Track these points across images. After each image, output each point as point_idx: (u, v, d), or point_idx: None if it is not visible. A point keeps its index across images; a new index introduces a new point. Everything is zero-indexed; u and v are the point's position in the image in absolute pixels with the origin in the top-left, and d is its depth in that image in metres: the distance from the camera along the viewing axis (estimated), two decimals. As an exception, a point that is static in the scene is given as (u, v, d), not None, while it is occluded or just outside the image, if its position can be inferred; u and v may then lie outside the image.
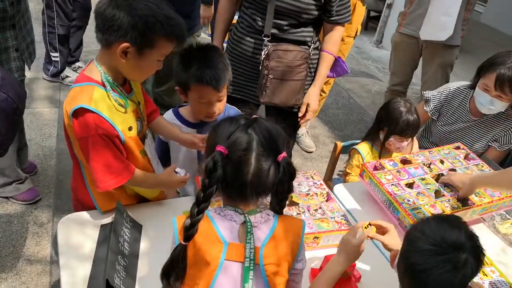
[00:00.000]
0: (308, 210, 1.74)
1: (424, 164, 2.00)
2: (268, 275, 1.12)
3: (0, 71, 1.65)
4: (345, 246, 1.32)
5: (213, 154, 1.06)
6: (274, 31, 2.08)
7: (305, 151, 3.76)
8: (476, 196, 1.83)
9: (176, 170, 1.71)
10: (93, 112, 1.42)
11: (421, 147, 2.51)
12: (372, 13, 6.54)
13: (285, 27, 2.08)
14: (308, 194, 1.83)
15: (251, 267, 1.10)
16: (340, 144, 2.41)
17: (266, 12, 2.03)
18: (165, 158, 2.03)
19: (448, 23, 2.98)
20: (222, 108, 1.87)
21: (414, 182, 1.89)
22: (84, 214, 1.67)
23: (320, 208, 1.76)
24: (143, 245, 1.57)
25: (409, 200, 1.79)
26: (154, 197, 1.79)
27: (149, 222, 1.66)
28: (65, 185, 2.91)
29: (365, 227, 1.38)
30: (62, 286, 1.40)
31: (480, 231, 1.90)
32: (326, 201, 1.81)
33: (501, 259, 1.76)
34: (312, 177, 1.94)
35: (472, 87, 2.32)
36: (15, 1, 2.17)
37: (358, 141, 2.43)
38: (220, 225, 1.12)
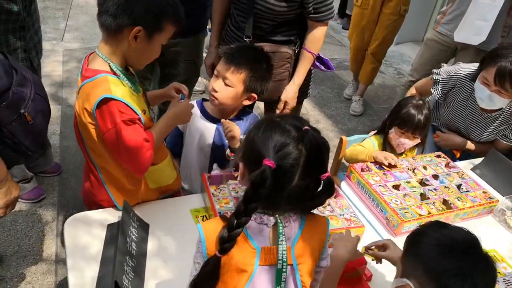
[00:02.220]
0: (317, 208, 1.72)
1: (408, 169, 2.05)
2: (301, 275, 1.11)
3: (26, 72, 1.64)
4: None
5: (263, 169, 0.99)
6: (258, 31, 2.10)
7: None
8: (459, 200, 1.88)
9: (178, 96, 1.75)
10: (115, 100, 1.42)
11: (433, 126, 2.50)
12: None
13: (267, 29, 2.10)
14: None
15: (284, 269, 1.09)
16: (346, 139, 2.39)
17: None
18: (176, 151, 2.02)
19: (484, 28, 2.90)
20: (225, 95, 1.79)
21: (400, 184, 1.93)
22: (90, 214, 1.66)
23: (329, 205, 1.74)
24: (151, 244, 1.56)
25: (396, 200, 1.83)
26: (171, 183, 1.79)
27: (156, 221, 1.65)
28: (69, 183, 2.90)
29: (364, 252, 1.42)
30: (70, 287, 1.39)
31: (490, 226, 1.89)
32: (335, 197, 1.79)
33: (512, 255, 1.74)
34: None
35: (473, 79, 2.23)
36: (28, 4, 2.17)
37: (364, 135, 2.41)
38: (250, 231, 1.08)
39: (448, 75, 2.35)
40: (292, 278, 1.10)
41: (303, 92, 2.32)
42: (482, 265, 1.04)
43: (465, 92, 2.32)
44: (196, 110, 1.93)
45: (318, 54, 2.22)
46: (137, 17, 1.40)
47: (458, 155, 2.48)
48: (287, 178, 1.03)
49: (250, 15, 2.04)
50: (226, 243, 1.02)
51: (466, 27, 2.99)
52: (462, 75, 2.32)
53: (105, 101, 1.42)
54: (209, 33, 2.49)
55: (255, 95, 1.84)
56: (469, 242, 1.08)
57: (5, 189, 1.54)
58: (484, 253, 1.06)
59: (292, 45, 2.16)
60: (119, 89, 1.45)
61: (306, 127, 1.06)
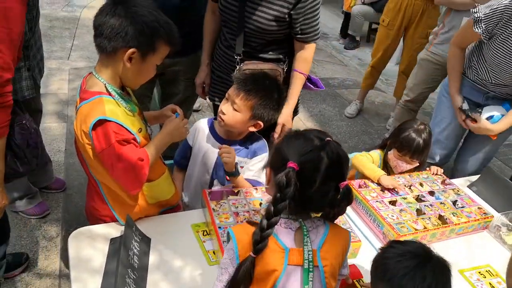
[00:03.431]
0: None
1: (405, 186, 2.09)
2: (326, 277, 1.18)
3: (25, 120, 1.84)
4: None
5: (287, 170, 1.10)
6: (247, 49, 2.14)
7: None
8: (454, 216, 1.92)
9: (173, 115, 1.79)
10: (110, 121, 1.48)
11: (477, 74, 2.41)
12: (374, 25, 6.60)
13: (257, 47, 2.15)
14: None
15: (311, 269, 1.16)
16: (345, 157, 2.43)
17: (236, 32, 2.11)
18: (185, 163, 2.09)
19: None
20: (231, 119, 1.85)
21: (396, 200, 1.97)
22: (94, 228, 1.70)
23: None
24: (152, 258, 1.60)
25: (393, 216, 1.86)
26: (170, 198, 1.84)
27: (158, 235, 1.69)
28: (74, 199, 2.95)
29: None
30: (74, 299, 1.43)
31: (486, 241, 1.92)
32: None
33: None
34: None
35: None
36: (33, 25, 2.24)
37: (360, 153, 2.46)
38: (279, 233, 1.17)
39: (491, 9, 2.14)
40: (318, 278, 1.18)
41: (293, 112, 2.34)
42: (432, 265, 1.12)
43: None
44: (205, 127, 2.01)
45: (308, 75, 2.26)
46: (131, 39, 1.45)
47: (494, 137, 2.46)
48: (308, 181, 1.13)
49: (241, 33, 2.10)
50: (259, 243, 1.12)
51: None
52: (508, 6, 2.09)
53: (100, 122, 1.47)
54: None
55: (261, 123, 1.88)
56: (420, 248, 1.18)
57: None
58: (435, 256, 1.16)
59: (281, 63, 2.21)
60: (114, 110, 1.50)
61: (328, 138, 1.18)
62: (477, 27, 2.19)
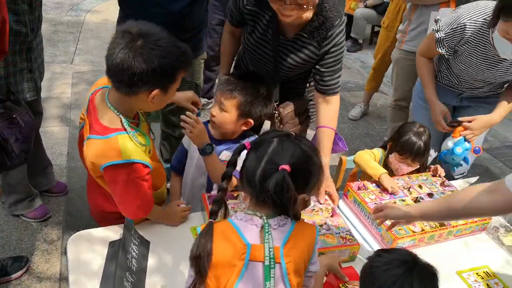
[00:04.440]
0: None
1: (404, 188, 2.08)
2: (289, 273, 1.19)
3: (21, 100, 1.83)
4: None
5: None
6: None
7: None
8: None
9: (180, 205, 1.85)
10: (124, 163, 1.49)
11: (448, 79, 2.41)
12: (377, 28, 6.60)
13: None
14: (313, 210, 1.85)
15: (272, 266, 1.17)
16: (345, 159, 2.44)
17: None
18: (180, 168, 2.09)
19: None
20: (220, 119, 1.86)
21: (395, 202, 1.96)
22: (93, 231, 1.71)
23: (325, 223, 1.78)
24: (151, 261, 1.60)
25: None
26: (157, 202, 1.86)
27: (156, 238, 1.70)
28: (75, 203, 2.96)
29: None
30: (72, 302, 1.44)
31: (484, 242, 1.91)
32: (331, 216, 1.84)
33: (506, 272, 1.76)
34: None
35: (490, 26, 2.01)
36: (36, 27, 2.27)
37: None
38: (243, 230, 1.20)
39: (451, 29, 2.14)
40: (280, 275, 1.19)
41: (307, 117, 2.35)
42: (418, 271, 1.13)
43: (476, 41, 2.11)
44: None
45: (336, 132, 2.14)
46: (154, 83, 1.42)
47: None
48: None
49: (277, 82, 2.12)
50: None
51: None
52: (467, 24, 2.08)
53: (113, 166, 1.49)
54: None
55: (251, 121, 1.88)
56: (406, 255, 1.19)
57: None
58: (422, 262, 1.17)
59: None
60: (129, 147, 1.50)
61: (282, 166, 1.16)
62: (439, 47, 2.22)
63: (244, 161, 1.24)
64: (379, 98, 5.08)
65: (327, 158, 2.02)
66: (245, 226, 1.20)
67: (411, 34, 3.30)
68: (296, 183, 1.14)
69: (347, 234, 1.74)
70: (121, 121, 1.51)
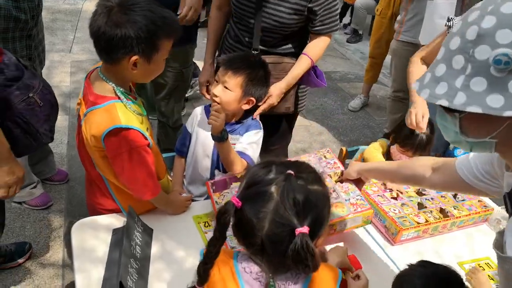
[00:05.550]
0: None
1: None
2: None
3: (35, 71, 1.78)
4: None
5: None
6: (262, 46, 2.14)
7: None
8: (455, 209, 1.92)
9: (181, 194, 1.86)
10: (126, 128, 1.48)
11: None
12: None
13: (272, 43, 2.14)
14: None
15: None
16: (345, 150, 2.45)
17: (253, 30, 2.09)
18: (184, 150, 2.11)
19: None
20: (225, 98, 1.85)
21: (398, 194, 1.97)
22: (97, 219, 1.72)
23: (334, 191, 1.71)
24: (154, 248, 1.62)
25: (394, 210, 1.86)
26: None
27: (160, 225, 1.71)
28: (76, 191, 2.97)
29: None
30: (77, 288, 1.45)
31: (486, 234, 1.93)
32: (341, 182, 1.78)
33: (506, 263, 1.78)
34: (325, 156, 1.89)
35: None
36: (36, 14, 2.25)
37: (364, 146, 2.47)
38: (246, 285, 1.05)
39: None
40: None
41: (297, 105, 2.34)
42: None
43: None
44: (202, 113, 2.02)
45: (315, 65, 2.21)
46: (130, 48, 1.41)
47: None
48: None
49: (258, 29, 2.08)
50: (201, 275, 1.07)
51: (429, 28, 3.03)
52: None
53: (115, 131, 1.48)
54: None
55: (254, 99, 1.90)
56: (449, 273, 1.17)
57: (6, 168, 1.59)
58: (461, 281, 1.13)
59: (295, 57, 2.18)
60: (128, 115, 1.50)
61: (290, 172, 1.02)
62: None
63: (235, 220, 1.03)
64: (379, 89, 5.08)
65: (289, 77, 2.12)
66: (249, 280, 1.04)
67: (407, 24, 3.32)
68: (313, 234, 0.98)
69: (357, 199, 1.67)
70: (113, 88, 1.52)
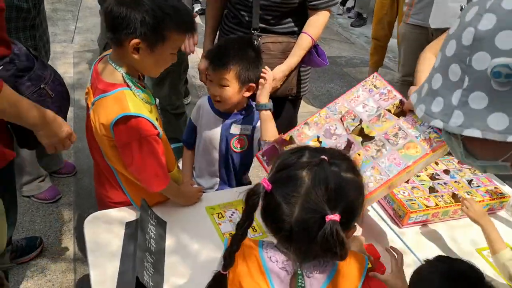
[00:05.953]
0: (388, 140, 1.47)
1: None
2: None
3: (45, 61, 1.74)
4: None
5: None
6: (262, 25, 2.10)
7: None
8: (468, 194, 1.88)
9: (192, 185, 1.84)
10: (136, 116, 1.45)
11: None
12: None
13: (272, 21, 2.10)
14: (379, 116, 1.54)
15: None
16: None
17: (252, 9, 2.05)
18: (191, 141, 2.09)
19: (458, 9, 2.88)
20: (225, 95, 1.83)
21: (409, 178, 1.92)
22: (109, 212, 1.69)
23: (400, 129, 1.49)
24: (169, 241, 1.60)
25: (404, 192, 1.83)
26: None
27: (173, 218, 1.69)
28: (84, 183, 2.96)
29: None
30: (92, 283, 1.43)
31: (504, 221, 1.89)
32: (404, 116, 1.55)
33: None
34: (375, 86, 1.65)
35: None
36: (37, 2, 2.22)
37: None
38: (272, 274, 1.02)
39: None
40: None
41: (299, 89, 2.31)
42: None
43: None
44: (206, 104, 1.99)
45: (317, 44, 2.16)
46: (132, 30, 1.39)
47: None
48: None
49: (257, 7, 2.04)
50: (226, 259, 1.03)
51: (440, 12, 2.99)
52: None
53: (124, 118, 1.45)
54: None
55: (253, 84, 1.85)
56: (468, 268, 1.11)
57: (46, 130, 1.56)
58: (486, 282, 1.07)
59: (295, 36, 2.15)
60: (137, 103, 1.48)
61: (323, 157, 0.98)
62: None
63: (263, 204, 1.00)
64: (385, 74, 5.03)
65: (292, 58, 2.09)
66: (275, 269, 1.02)
67: (417, 6, 3.23)
68: (344, 224, 0.94)
69: (429, 131, 1.44)
70: (122, 76, 1.49)
